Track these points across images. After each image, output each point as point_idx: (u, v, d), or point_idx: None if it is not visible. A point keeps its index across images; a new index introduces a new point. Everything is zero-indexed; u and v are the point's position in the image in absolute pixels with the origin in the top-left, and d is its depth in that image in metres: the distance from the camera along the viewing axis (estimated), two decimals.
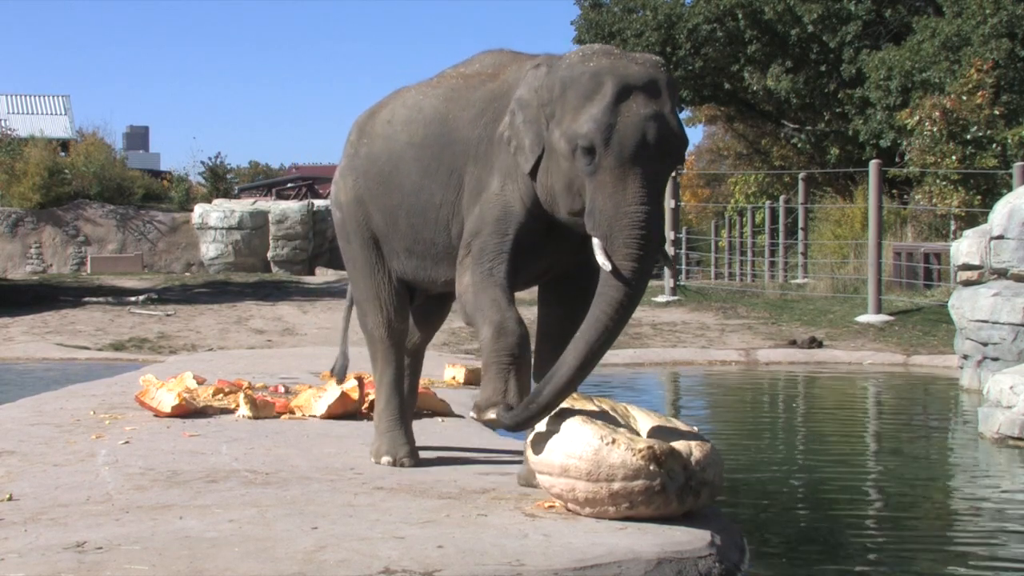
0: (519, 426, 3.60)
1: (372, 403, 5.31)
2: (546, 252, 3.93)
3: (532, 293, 4.21)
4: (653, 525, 3.40)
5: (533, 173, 3.76)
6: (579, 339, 3.53)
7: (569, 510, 3.52)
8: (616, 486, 3.37)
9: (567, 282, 4.02)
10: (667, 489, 3.39)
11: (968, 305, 7.98)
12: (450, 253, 4.12)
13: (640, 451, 3.38)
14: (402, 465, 4.35)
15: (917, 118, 15.22)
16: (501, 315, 3.75)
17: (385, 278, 4.44)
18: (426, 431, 5.09)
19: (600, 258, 3.52)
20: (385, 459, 4.38)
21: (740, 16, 21.41)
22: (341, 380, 5.44)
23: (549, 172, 3.71)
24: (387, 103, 4.48)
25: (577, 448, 3.42)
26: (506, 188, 3.88)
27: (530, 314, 4.07)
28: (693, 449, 3.50)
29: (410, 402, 4.69)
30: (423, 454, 4.52)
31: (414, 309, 4.59)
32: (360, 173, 4.44)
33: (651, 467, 3.37)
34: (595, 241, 3.55)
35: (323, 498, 3.73)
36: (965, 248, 8.18)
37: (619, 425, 3.58)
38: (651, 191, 3.53)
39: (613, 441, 3.40)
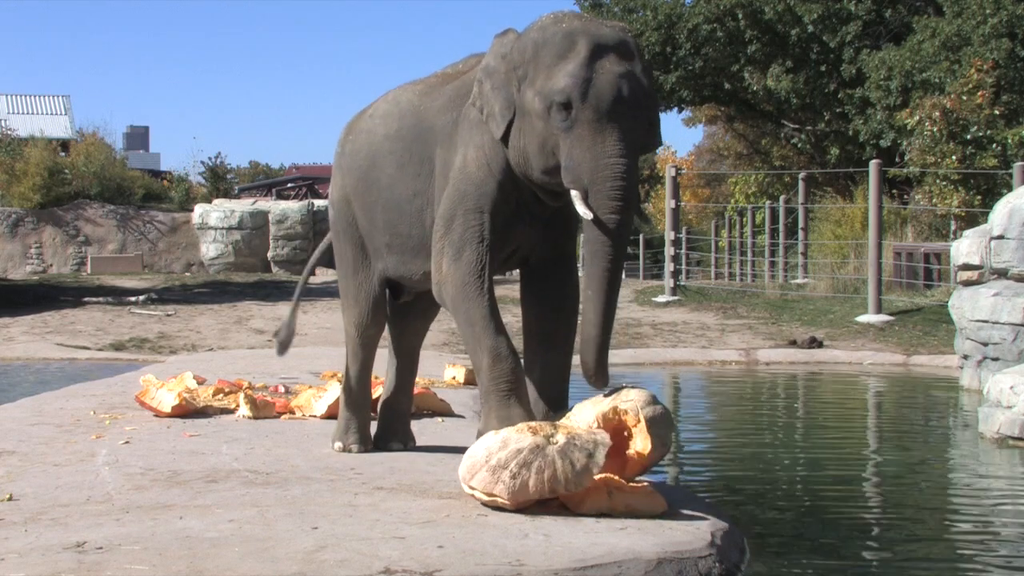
0: (599, 382, 3.74)
1: (373, 402, 5.32)
2: (513, 234, 3.97)
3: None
4: (653, 525, 3.40)
5: (505, 139, 3.80)
6: (591, 299, 3.65)
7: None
8: (493, 460, 3.44)
9: (546, 278, 4.05)
10: (542, 449, 3.41)
11: (968, 305, 7.98)
12: (425, 245, 4.16)
13: (517, 428, 3.50)
14: (350, 450, 4.59)
15: (917, 118, 15.22)
16: (495, 340, 3.84)
17: (367, 280, 4.52)
18: (426, 431, 5.09)
19: (580, 208, 3.60)
20: (336, 444, 4.65)
21: (740, 16, 21.42)
22: (283, 351, 5.19)
23: (522, 133, 3.75)
24: (375, 102, 4.56)
25: (472, 449, 3.55)
26: (469, 158, 3.92)
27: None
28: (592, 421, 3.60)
29: (405, 401, 4.73)
30: (423, 454, 4.53)
31: (407, 305, 4.61)
32: (345, 171, 4.53)
33: (522, 434, 3.44)
34: (574, 193, 3.62)
35: (323, 498, 3.73)
36: (965, 248, 8.18)
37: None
38: (628, 145, 3.62)
39: (495, 433, 3.53)
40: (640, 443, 3.63)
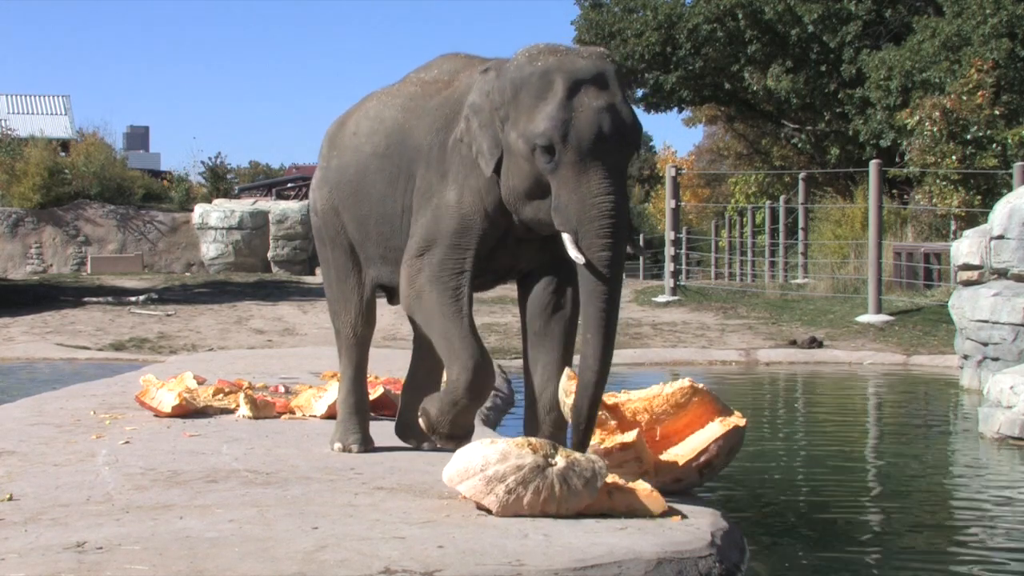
0: (582, 445, 3.73)
1: (373, 402, 5.33)
2: (503, 253, 4.00)
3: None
4: (653, 525, 3.41)
5: (497, 174, 3.83)
6: (590, 342, 3.64)
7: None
8: (490, 471, 3.42)
9: (544, 282, 4.05)
10: (543, 470, 3.41)
11: (968, 305, 7.98)
12: None
13: (516, 442, 3.48)
14: (350, 450, 4.63)
15: (917, 118, 15.22)
16: (472, 357, 3.88)
17: (356, 284, 4.59)
18: None
19: (572, 252, 3.60)
20: (336, 445, 4.67)
21: (740, 16, 21.43)
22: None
23: (511, 174, 3.78)
24: (353, 113, 4.60)
25: (465, 452, 3.54)
26: (464, 199, 3.93)
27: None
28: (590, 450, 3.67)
29: (421, 397, 4.68)
30: (423, 454, 4.54)
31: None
32: (332, 185, 4.57)
33: (523, 450, 3.44)
34: (565, 237, 3.63)
35: (323, 498, 3.73)
36: (965, 248, 8.18)
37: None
38: (614, 180, 3.61)
39: (492, 442, 3.52)
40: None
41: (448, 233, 3.93)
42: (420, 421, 4.04)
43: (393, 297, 4.66)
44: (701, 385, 4.05)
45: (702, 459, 3.90)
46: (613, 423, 3.94)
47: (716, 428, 3.95)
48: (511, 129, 3.73)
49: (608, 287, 3.60)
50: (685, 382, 4.03)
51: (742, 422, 3.97)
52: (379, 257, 4.43)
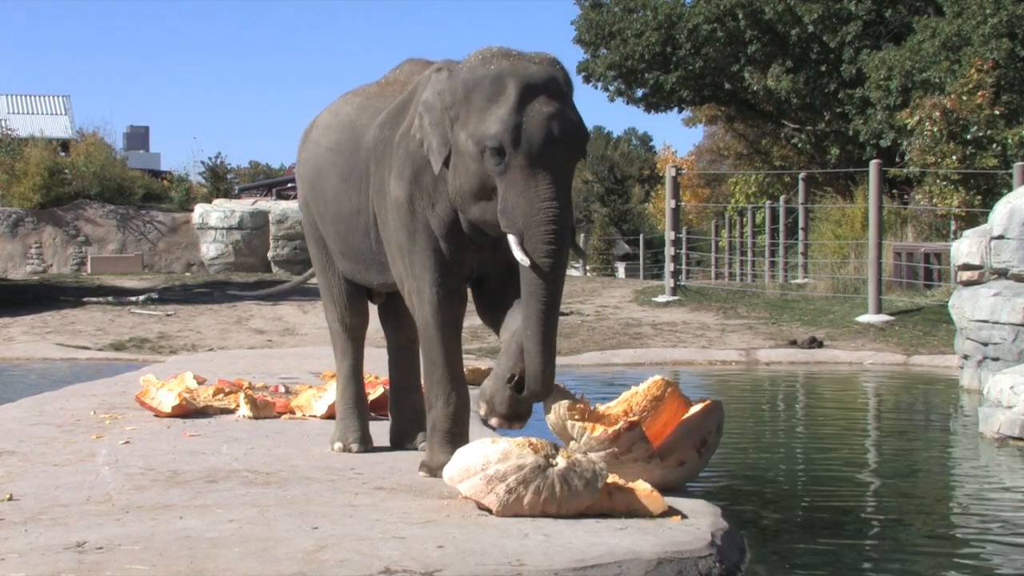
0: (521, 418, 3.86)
1: (373, 402, 5.33)
2: (468, 256, 4.04)
3: None
4: (653, 525, 3.41)
5: (444, 173, 3.89)
6: (532, 336, 3.68)
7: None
8: (491, 471, 3.44)
9: (502, 293, 4.08)
10: (544, 470, 3.42)
11: (968, 305, 7.98)
12: (375, 259, 4.31)
13: (517, 442, 3.50)
14: (350, 450, 4.62)
15: (917, 118, 15.21)
16: (451, 386, 4.03)
17: (335, 277, 4.68)
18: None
19: (518, 255, 3.65)
20: (336, 445, 4.67)
21: (740, 16, 21.42)
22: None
23: (458, 173, 3.83)
24: (323, 110, 4.70)
25: (467, 452, 3.57)
26: (414, 197, 4.00)
27: None
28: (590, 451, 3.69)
29: (418, 398, 4.65)
30: (423, 454, 4.53)
31: (395, 299, 4.63)
32: (300, 177, 4.72)
33: (523, 450, 3.45)
34: (511, 238, 3.67)
35: (323, 498, 3.73)
36: (965, 248, 8.18)
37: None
38: (560, 186, 3.67)
39: (494, 441, 3.54)
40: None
41: (411, 236, 3.99)
42: (422, 473, 4.10)
43: (373, 295, 4.70)
44: (669, 379, 4.17)
45: (696, 437, 3.98)
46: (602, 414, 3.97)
47: (699, 408, 4.06)
48: (460, 129, 3.77)
49: (548, 288, 3.65)
50: (656, 377, 4.13)
51: (719, 399, 4.15)
52: (339, 253, 4.52)
